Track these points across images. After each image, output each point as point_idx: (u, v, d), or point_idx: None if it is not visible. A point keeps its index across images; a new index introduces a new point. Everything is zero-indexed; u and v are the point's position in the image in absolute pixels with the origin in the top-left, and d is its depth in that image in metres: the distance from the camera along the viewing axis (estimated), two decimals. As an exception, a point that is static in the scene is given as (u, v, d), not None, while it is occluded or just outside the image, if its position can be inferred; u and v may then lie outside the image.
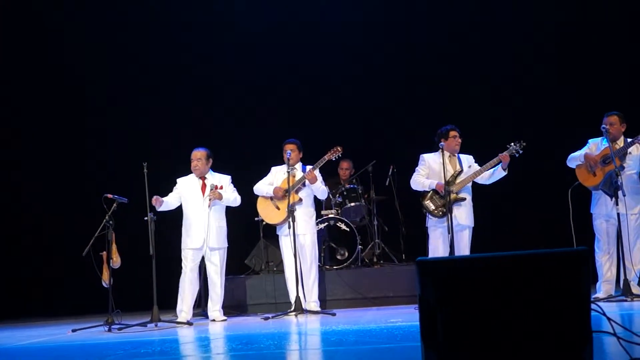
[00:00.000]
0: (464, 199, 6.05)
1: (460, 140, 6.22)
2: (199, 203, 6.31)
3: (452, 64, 8.61)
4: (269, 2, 9.08)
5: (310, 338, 4.69)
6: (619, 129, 5.92)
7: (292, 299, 6.23)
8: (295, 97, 8.87)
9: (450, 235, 5.77)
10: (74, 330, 5.82)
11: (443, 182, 5.94)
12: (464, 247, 6.07)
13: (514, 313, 2.35)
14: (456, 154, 6.23)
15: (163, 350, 4.31)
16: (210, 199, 6.24)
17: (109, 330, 5.64)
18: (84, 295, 7.81)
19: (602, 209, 5.92)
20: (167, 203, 6.32)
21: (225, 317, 6.33)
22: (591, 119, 6.19)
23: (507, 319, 2.35)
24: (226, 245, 6.40)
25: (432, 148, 6.26)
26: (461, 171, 6.14)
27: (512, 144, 5.98)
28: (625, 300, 5.54)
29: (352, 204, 7.58)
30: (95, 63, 8.94)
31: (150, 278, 5.87)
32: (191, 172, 6.44)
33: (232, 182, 6.54)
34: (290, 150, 6.32)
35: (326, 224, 7.33)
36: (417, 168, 6.28)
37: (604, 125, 5.84)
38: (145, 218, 5.88)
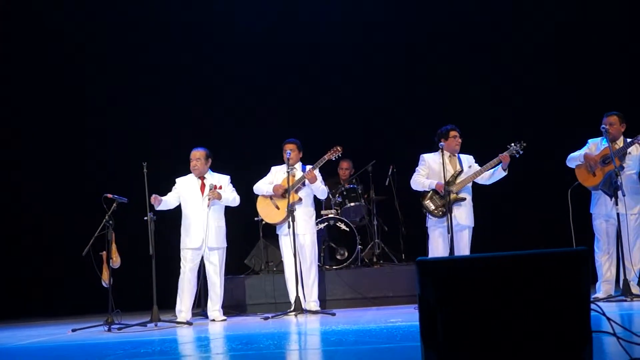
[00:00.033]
0: (464, 199, 6.05)
1: (460, 140, 6.22)
2: (198, 203, 6.31)
3: (452, 64, 8.61)
4: (269, 2, 9.08)
5: (310, 338, 4.69)
6: (618, 129, 5.92)
7: (292, 298, 6.23)
8: (295, 97, 8.87)
9: (450, 235, 5.77)
10: (73, 330, 5.82)
11: (443, 182, 5.94)
12: (464, 247, 6.07)
13: (513, 313, 2.35)
14: (456, 154, 6.23)
15: (163, 350, 4.31)
16: (209, 199, 6.24)
17: (109, 330, 5.64)
18: (84, 295, 7.81)
19: (602, 209, 5.91)
20: (166, 202, 6.32)
21: (225, 317, 6.33)
22: (591, 119, 6.19)
23: (507, 319, 2.35)
24: (225, 245, 6.40)
25: (432, 148, 6.26)
26: (461, 171, 6.13)
27: (513, 144, 5.98)
28: (625, 300, 5.55)
29: (352, 204, 7.58)
30: (95, 63, 8.94)
31: (150, 278, 5.87)
32: (190, 172, 6.44)
33: (231, 182, 6.54)
34: (290, 150, 6.32)
35: (326, 223, 7.33)
36: (417, 168, 6.28)
37: (603, 125, 5.84)
38: (145, 218, 5.88)
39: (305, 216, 6.39)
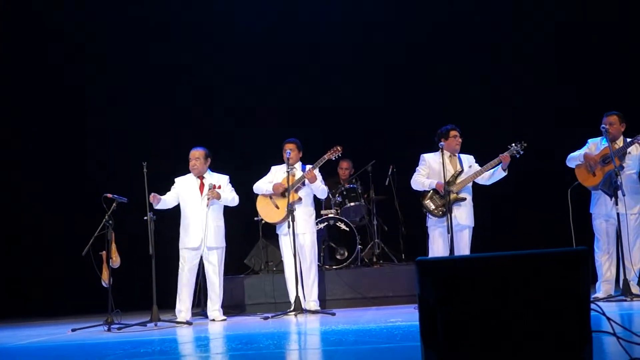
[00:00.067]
0: (464, 199, 6.04)
1: (460, 140, 6.21)
2: (197, 202, 6.31)
3: (452, 64, 8.61)
4: (269, 2, 9.08)
5: (309, 338, 4.69)
6: (618, 128, 5.91)
7: (292, 298, 6.23)
8: (295, 97, 8.87)
9: (450, 235, 5.77)
10: (73, 330, 5.82)
11: (443, 181, 5.94)
12: (463, 247, 6.07)
13: (513, 313, 2.35)
14: (457, 154, 6.23)
15: (162, 350, 4.31)
16: (208, 199, 6.24)
17: (109, 329, 5.64)
18: (83, 295, 7.81)
19: (602, 209, 5.91)
20: (165, 201, 6.31)
21: (225, 317, 6.33)
22: (591, 119, 6.18)
23: (506, 319, 2.35)
24: (224, 244, 6.40)
25: (432, 148, 6.26)
26: (462, 171, 6.13)
27: (513, 144, 5.97)
28: (625, 300, 5.55)
29: (352, 204, 7.58)
30: (95, 63, 8.94)
31: (149, 278, 5.87)
32: (189, 172, 6.44)
33: (230, 182, 6.54)
34: (290, 149, 6.32)
35: (326, 223, 7.33)
36: (417, 168, 6.28)
37: (603, 125, 5.84)
38: (145, 218, 5.88)
39: (305, 216, 6.39)
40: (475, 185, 6.24)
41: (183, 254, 6.31)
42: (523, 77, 8.45)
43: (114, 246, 5.92)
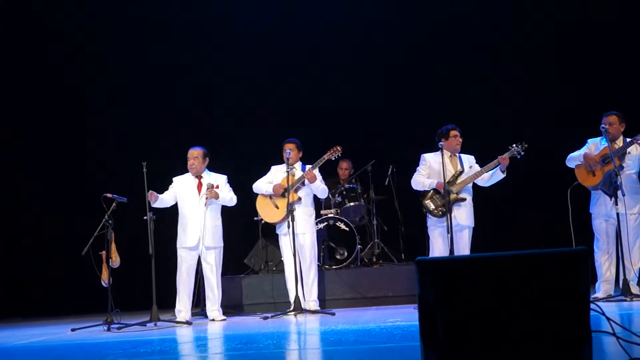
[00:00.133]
0: (464, 199, 6.04)
1: (460, 140, 6.21)
2: (195, 202, 6.31)
3: (452, 64, 8.61)
4: (269, 2, 9.08)
5: (309, 338, 4.69)
6: (618, 128, 5.91)
7: (292, 298, 6.23)
8: (295, 97, 8.87)
9: (450, 235, 5.77)
10: (73, 330, 5.83)
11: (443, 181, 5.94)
12: (463, 247, 6.07)
13: (513, 313, 2.35)
14: (457, 154, 6.23)
15: (162, 350, 4.31)
16: (206, 198, 6.24)
17: (108, 329, 5.64)
18: (83, 294, 7.81)
19: (602, 209, 5.91)
20: (163, 200, 6.31)
21: (225, 317, 6.33)
22: (591, 119, 6.18)
23: (506, 319, 2.35)
24: (222, 244, 6.40)
25: (432, 148, 6.25)
26: (462, 171, 6.13)
27: (514, 145, 5.96)
28: (625, 300, 5.54)
29: (352, 204, 7.58)
30: (95, 63, 8.94)
31: (149, 277, 5.87)
32: (187, 171, 6.44)
33: (228, 182, 6.53)
34: (290, 149, 6.32)
35: (325, 223, 7.33)
36: (418, 168, 6.28)
37: (603, 125, 5.84)
38: (145, 217, 5.88)
39: (304, 216, 6.39)
40: (475, 186, 6.24)
41: (180, 253, 6.31)
42: (523, 77, 8.45)
43: (113, 246, 5.92)
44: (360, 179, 7.92)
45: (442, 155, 6.00)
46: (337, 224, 7.35)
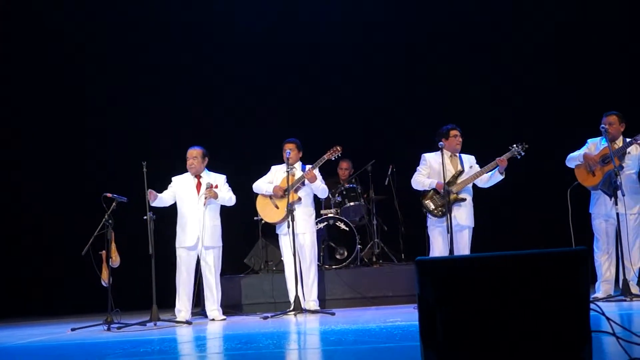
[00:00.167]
0: (464, 200, 6.04)
1: (461, 140, 6.21)
2: (194, 201, 6.31)
3: (452, 64, 8.62)
4: (269, 2, 9.08)
5: (309, 337, 4.69)
6: (618, 128, 5.91)
7: (292, 298, 6.23)
8: (295, 97, 8.88)
9: (450, 235, 5.77)
10: (73, 329, 5.83)
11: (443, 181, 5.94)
12: (463, 247, 6.07)
13: (513, 313, 2.35)
14: (457, 154, 6.23)
15: (162, 350, 4.31)
16: (205, 198, 6.24)
17: (108, 329, 5.64)
18: (83, 294, 7.82)
19: (602, 209, 5.91)
20: (161, 199, 6.31)
21: (225, 317, 6.33)
22: (591, 119, 6.18)
23: (506, 319, 2.35)
24: (221, 244, 6.40)
25: (432, 148, 6.25)
26: (462, 171, 6.13)
27: (514, 145, 5.96)
28: (625, 300, 5.54)
29: (352, 204, 7.58)
30: (95, 63, 8.95)
31: (149, 277, 5.87)
32: (186, 171, 6.44)
33: (227, 182, 6.53)
34: (290, 149, 6.33)
35: (325, 223, 7.33)
36: (418, 167, 6.28)
37: (603, 125, 5.84)
38: (145, 217, 5.88)
39: (304, 215, 6.39)
40: (475, 186, 6.24)
41: (179, 253, 6.31)
42: (523, 77, 8.46)
43: (113, 246, 5.92)
44: (360, 179, 7.92)
45: (443, 155, 6.01)
46: (337, 223, 7.35)
